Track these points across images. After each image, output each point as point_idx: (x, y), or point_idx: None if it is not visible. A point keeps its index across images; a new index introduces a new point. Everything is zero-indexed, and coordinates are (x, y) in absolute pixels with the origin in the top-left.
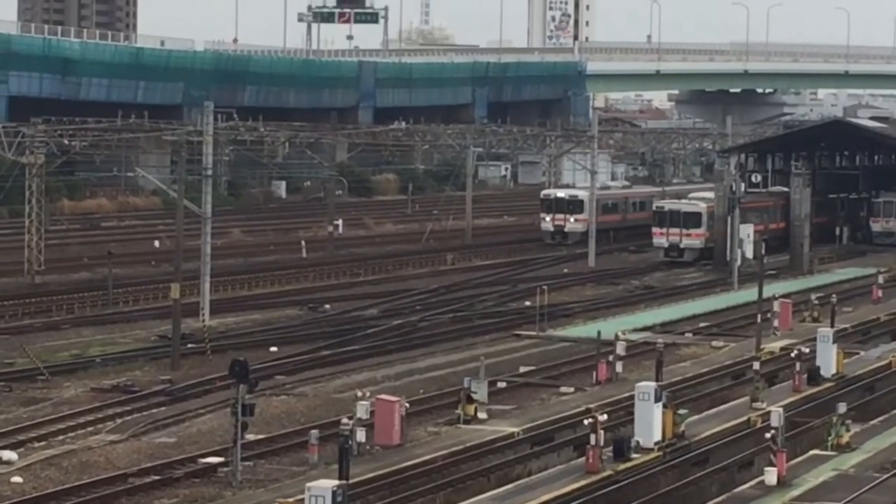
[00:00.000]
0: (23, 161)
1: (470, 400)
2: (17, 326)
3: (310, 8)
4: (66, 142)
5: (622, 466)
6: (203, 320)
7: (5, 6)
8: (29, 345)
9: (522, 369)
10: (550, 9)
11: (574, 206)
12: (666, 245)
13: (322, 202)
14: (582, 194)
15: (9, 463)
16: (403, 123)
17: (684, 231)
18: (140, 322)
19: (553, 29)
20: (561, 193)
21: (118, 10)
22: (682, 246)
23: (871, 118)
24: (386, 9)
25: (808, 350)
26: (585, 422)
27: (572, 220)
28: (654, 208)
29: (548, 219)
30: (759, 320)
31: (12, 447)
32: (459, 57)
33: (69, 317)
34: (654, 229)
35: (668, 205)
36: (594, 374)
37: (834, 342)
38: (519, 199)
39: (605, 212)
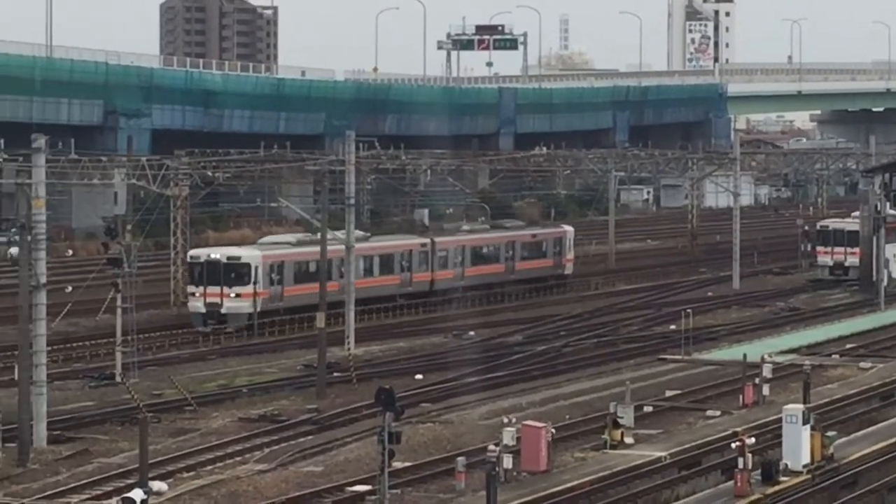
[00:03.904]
0: (167, 193)
1: (616, 425)
2: (165, 357)
3: (449, 35)
4: (209, 173)
5: (771, 490)
6: (348, 349)
7: (148, 40)
8: (176, 376)
9: (668, 393)
10: (690, 31)
11: (237, 274)
12: (830, 264)
13: None
14: (247, 256)
15: (159, 493)
16: (544, 149)
17: (849, 250)
18: (286, 352)
19: (693, 51)
20: (216, 255)
21: (259, 42)
22: (846, 264)
23: None
24: (525, 35)
25: None
26: (733, 445)
27: (232, 294)
28: (818, 227)
29: (197, 293)
30: None
31: (162, 478)
32: (599, 81)
33: (215, 347)
34: (819, 248)
35: (833, 224)
36: (741, 397)
37: None
38: (662, 223)
39: (478, 261)
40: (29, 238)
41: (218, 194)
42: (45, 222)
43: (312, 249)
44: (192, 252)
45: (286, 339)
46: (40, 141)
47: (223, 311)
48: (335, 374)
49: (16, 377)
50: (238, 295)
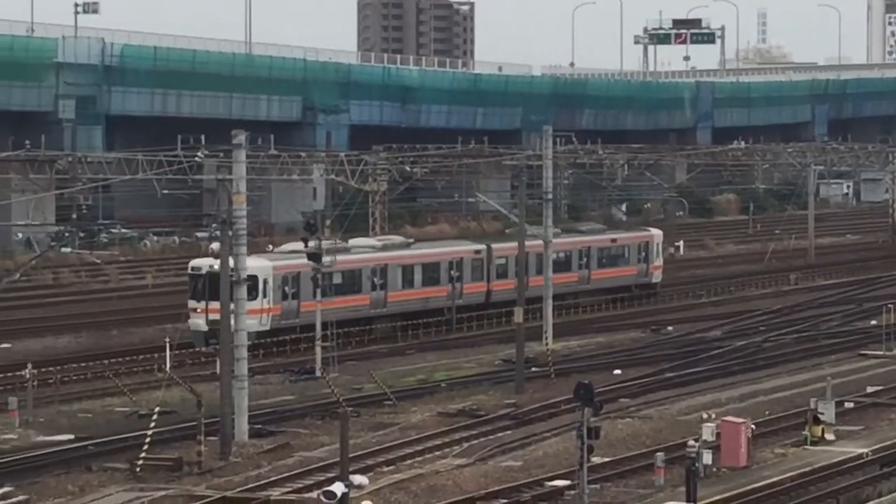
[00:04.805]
0: (365, 188)
1: (817, 421)
2: (365, 352)
3: (646, 30)
4: (407, 168)
5: None
6: (546, 344)
7: (345, 37)
8: (376, 370)
9: (870, 389)
10: (890, 24)
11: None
12: None
13: (662, 224)
14: (255, 267)
15: (360, 487)
16: (742, 143)
17: None
18: (484, 346)
19: (893, 44)
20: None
21: (456, 38)
22: None
23: None
24: (722, 28)
25: None
26: None
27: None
28: None
29: (199, 309)
30: None
31: (362, 471)
32: (798, 75)
33: (414, 342)
34: None
35: None
36: None
37: None
38: (862, 218)
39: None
40: (230, 233)
41: (415, 189)
42: (246, 217)
43: (339, 258)
44: (193, 262)
45: (485, 333)
46: (240, 137)
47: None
48: (533, 368)
49: (218, 371)
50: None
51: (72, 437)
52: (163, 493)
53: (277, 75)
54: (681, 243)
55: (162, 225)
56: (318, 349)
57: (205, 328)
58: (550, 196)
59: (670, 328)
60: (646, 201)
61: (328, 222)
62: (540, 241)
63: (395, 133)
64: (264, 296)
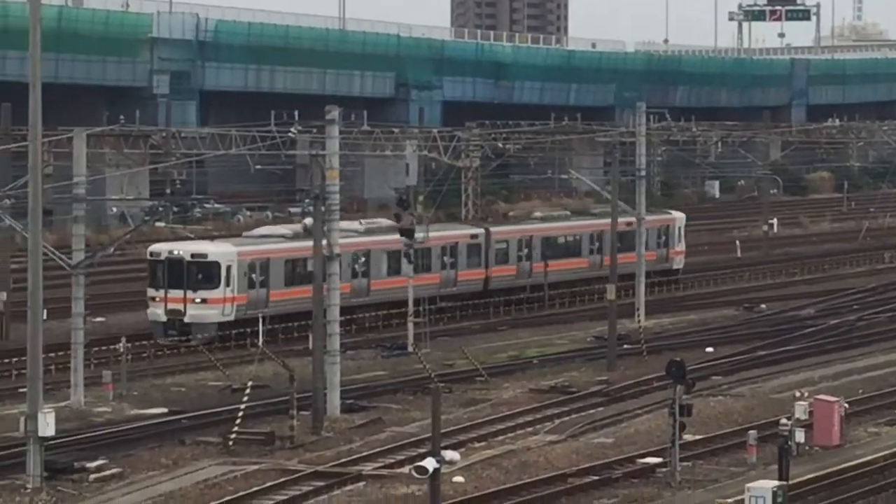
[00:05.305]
0: (458, 164)
1: None
2: (457, 329)
3: (741, 7)
4: (500, 145)
5: None
6: (639, 321)
7: (439, 13)
8: (468, 346)
9: None
10: None
11: (204, 275)
12: None
13: (756, 201)
14: (216, 252)
15: (451, 463)
16: (837, 121)
17: None
18: (576, 323)
19: None
20: (179, 252)
21: (549, 14)
22: None
23: None
24: (818, 5)
25: None
26: None
27: (197, 299)
28: None
29: (157, 298)
30: None
31: (454, 447)
32: (893, 52)
33: (506, 318)
34: None
35: None
36: None
37: None
38: None
39: (552, 255)
40: (322, 208)
41: (508, 166)
42: (338, 193)
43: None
44: (152, 247)
45: (577, 310)
46: (334, 113)
47: (186, 319)
48: (625, 346)
49: (310, 346)
50: (204, 300)
51: (165, 410)
52: (255, 467)
53: (371, 51)
54: (774, 221)
55: (255, 200)
56: (409, 325)
57: (164, 318)
58: (643, 173)
59: (763, 306)
60: (739, 179)
61: (421, 198)
62: (554, 224)
63: (488, 109)
64: (227, 284)
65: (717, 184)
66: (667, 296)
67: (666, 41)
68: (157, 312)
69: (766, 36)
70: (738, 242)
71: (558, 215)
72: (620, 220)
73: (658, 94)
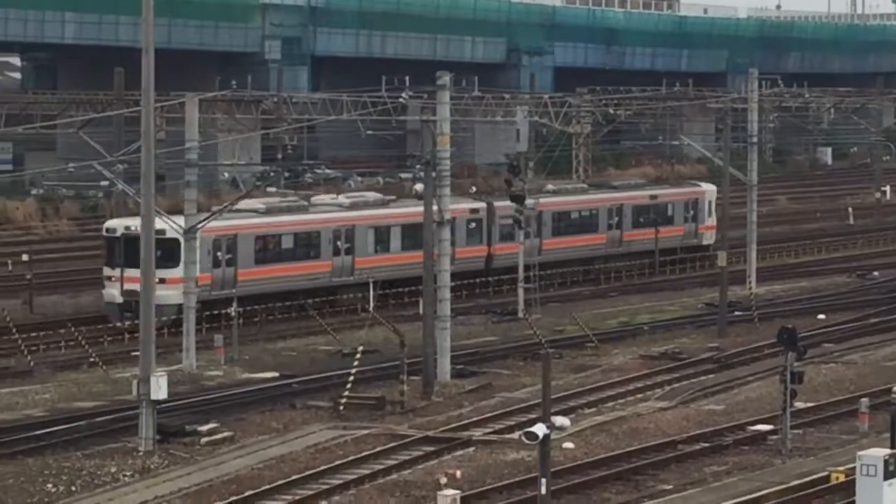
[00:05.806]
0: (569, 131)
1: None
2: (567, 294)
3: None
4: (611, 111)
5: None
6: (750, 288)
7: None
8: (578, 312)
9: None
10: None
11: (163, 253)
12: None
13: (869, 168)
14: (173, 227)
15: (562, 428)
16: None
17: None
18: (687, 290)
19: None
20: (136, 228)
21: None
22: None
23: None
24: None
25: None
26: None
27: (156, 279)
28: None
29: (113, 278)
30: None
31: (564, 413)
32: None
33: (617, 285)
34: None
35: None
36: None
37: None
38: None
39: (565, 231)
40: (433, 174)
41: (619, 132)
42: (449, 159)
43: (287, 219)
44: (108, 223)
45: (688, 277)
46: (445, 78)
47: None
48: (736, 312)
49: (421, 312)
50: (163, 280)
51: (276, 374)
52: (365, 431)
53: (482, 17)
54: (887, 188)
55: (366, 166)
56: (520, 291)
57: (119, 300)
58: (755, 139)
59: (876, 273)
60: (852, 145)
61: (531, 164)
62: (567, 198)
63: (600, 75)
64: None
65: (829, 150)
66: (778, 262)
67: (778, 7)
68: (113, 293)
69: (880, 2)
70: (850, 209)
71: (573, 188)
72: (643, 192)
73: (770, 60)
